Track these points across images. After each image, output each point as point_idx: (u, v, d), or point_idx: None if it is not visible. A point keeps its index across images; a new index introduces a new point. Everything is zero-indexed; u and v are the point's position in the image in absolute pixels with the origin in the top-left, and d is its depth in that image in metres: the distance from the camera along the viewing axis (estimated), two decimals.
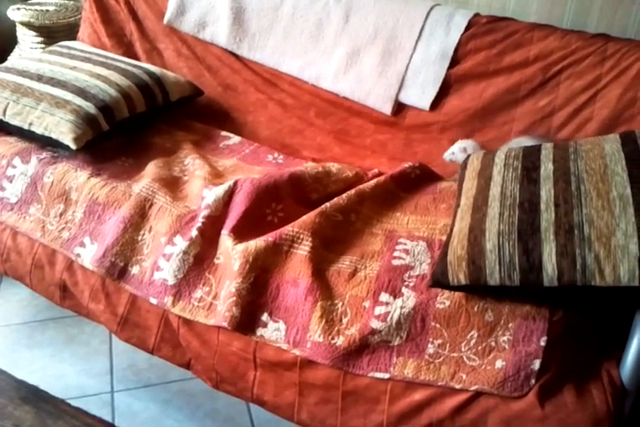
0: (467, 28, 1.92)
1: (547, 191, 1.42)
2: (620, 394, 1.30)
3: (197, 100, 2.18)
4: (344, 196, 1.69)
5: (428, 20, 1.97)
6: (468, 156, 1.73)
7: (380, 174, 1.86)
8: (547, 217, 1.35)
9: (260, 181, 1.66)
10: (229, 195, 1.64)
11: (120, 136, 1.95)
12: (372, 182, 1.76)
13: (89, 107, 1.82)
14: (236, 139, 2.10)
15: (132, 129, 2.00)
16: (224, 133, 2.12)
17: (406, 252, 1.53)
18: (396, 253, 1.53)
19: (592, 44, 1.80)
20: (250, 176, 1.72)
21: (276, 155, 2.03)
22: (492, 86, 1.91)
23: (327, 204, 1.65)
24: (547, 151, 1.57)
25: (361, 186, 1.74)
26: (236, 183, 1.66)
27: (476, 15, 1.94)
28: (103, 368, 1.98)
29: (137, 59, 2.27)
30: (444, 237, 1.51)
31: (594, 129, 1.78)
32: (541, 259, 1.29)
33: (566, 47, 1.81)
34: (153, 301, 1.56)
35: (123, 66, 2.04)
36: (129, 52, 2.30)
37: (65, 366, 1.99)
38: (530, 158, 1.55)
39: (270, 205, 1.65)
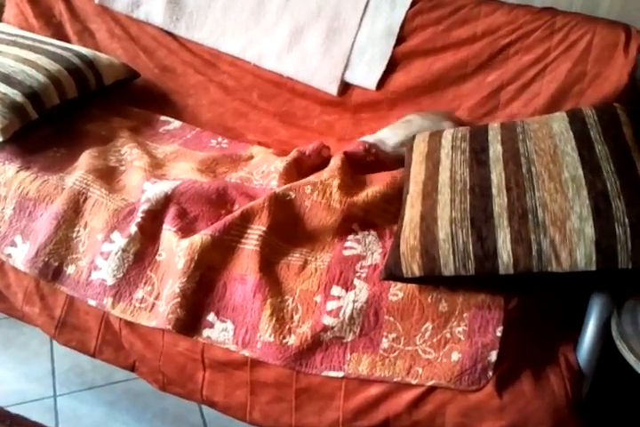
0: (412, 4, 1.87)
1: (497, 175, 1.39)
2: (578, 378, 1.29)
3: (133, 83, 2.09)
4: (300, 180, 1.63)
5: None
6: (414, 137, 1.68)
7: (321, 146, 1.80)
8: (499, 202, 1.33)
9: (206, 186, 1.61)
10: (173, 190, 1.58)
11: (51, 125, 1.85)
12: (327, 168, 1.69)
13: (15, 94, 1.71)
14: (176, 123, 2.02)
15: (64, 116, 1.90)
16: (163, 118, 2.04)
17: (357, 241, 1.49)
18: (347, 244, 1.49)
19: (539, 18, 1.77)
20: (193, 178, 1.66)
21: (219, 139, 1.97)
22: (440, 63, 1.87)
23: (277, 189, 1.59)
24: (494, 132, 1.54)
25: (318, 172, 1.67)
26: (182, 183, 1.60)
27: None
28: (44, 371, 1.90)
29: (67, 41, 2.16)
30: (395, 226, 1.47)
31: (542, 104, 1.76)
32: (496, 246, 1.26)
33: (514, 22, 1.78)
34: (91, 302, 1.49)
35: (52, 49, 1.93)
36: (59, 33, 2.19)
37: (3, 370, 1.90)
38: (477, 139, 1.52)
39: (225, 206, 1.58)
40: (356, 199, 1.56)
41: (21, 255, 1.55)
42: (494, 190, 1.35)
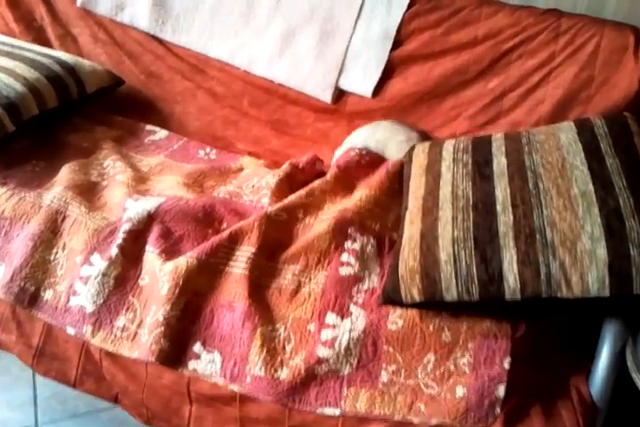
0: (409, 6, 1.78)
1: (502, 190, 1.31)
2: (591, 413, 1.21)
3: (118, 90, 2.01)
4: (291, 196, 1.55)
5: None
6: (413, 147, 1.59)
7: (314, 159, 1.73)
8: (504, 220, 1.24)
9: (192, 203, 1.52)
10: (156, 208, 1.48)
11: (29, 136, 1.76)
12: (319, 180, 1.61)
13: None
14: (162, 133, 1.93)
15: (44, 127, 1.81)
16: (149, 127, 1.95)
17: (355, 254, 1.39)
18: (343, 257, 1.39)
19: (544, 20, 1.68)
20: (179, 195, 1.57)
21: (207, 150, 1.88)
22: (439, 68, 1.78)
23: (269, 207, 1.51)
24: (498, 143, 1.46)
25: (310, 186, 1.59)
26: (167, 201, 1.51)
27: None
28: (25, 398, 1.81)
29: (49, 46, 2.08)
30: (395, 235, 1.39)
31: (547, 111, 1.68)
32: (502, 269, 1.18)
33: (517, 24, 1.70)
34: (70, 331, 1.39)
35: (31, 56, 1.84)
36: (40, 38, 2.10)
37: None
38: (480, 151, 1.44)
39: (212, 225, 1.49)
40: (348, 206, 1.49)
41: None
42: (499, 207, 1.27)
